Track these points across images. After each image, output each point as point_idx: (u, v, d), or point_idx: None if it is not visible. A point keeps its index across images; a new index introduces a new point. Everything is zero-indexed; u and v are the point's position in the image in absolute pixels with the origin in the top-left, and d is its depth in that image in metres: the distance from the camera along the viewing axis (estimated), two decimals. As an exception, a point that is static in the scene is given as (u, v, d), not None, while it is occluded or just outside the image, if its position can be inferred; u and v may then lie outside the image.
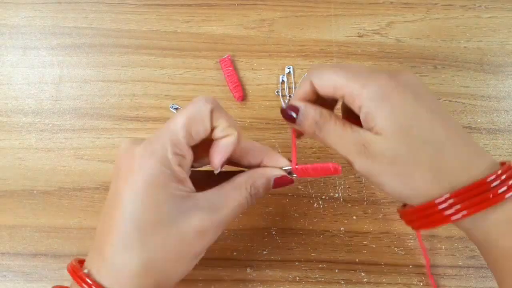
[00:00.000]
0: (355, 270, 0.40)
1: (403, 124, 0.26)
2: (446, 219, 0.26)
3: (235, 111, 0.44)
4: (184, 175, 0.27)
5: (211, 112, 0.27)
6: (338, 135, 0.28)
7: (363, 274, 0.40)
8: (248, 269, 0.40)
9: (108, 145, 0.43)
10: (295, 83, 0.45)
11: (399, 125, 0.26)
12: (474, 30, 0.48)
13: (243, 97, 0.44)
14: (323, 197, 0.42)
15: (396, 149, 0.26)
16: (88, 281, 0.26)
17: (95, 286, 0.26)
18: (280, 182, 0.31)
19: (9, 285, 0.39)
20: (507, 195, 0.25)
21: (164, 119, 0.44)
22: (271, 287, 0.40)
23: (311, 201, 0.42)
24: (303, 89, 0.30)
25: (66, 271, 0.40)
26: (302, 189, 0.42)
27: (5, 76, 0.45)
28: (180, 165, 0.27)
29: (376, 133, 0.27)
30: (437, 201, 0.26)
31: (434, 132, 0.27)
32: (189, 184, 0.28)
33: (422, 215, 0.27)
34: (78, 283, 0.26)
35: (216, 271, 0.40)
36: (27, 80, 0.45)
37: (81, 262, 0.29)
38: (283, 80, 0.45)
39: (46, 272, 0.40)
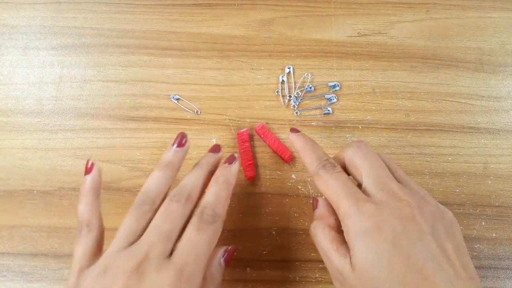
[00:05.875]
0: (355, 270, 0.40)
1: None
2: None
3: (235, 111, 0.44)
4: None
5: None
6: (324, 248, 0.30)
7: (363, 274, 0.40)
8: (248, 269, 0.40)
9: (108, 145, 0.43)
10: (295, 83, 0.45)
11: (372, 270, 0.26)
12: (474, 30, 0.48)
13: (254, 178, 0.42)
14: (323, 197, 0.42)
15: None
16: None
17: None
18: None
19: (9, 285, 0.39)
20: None
21: (164, 119, 0.44)
22: (271, 287, 0.40)
23: (311, 201, 0.42)
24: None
25: (66, 271, 0.40)
26: (302, 189, 0.42)
27: (5, 76, 0.45)
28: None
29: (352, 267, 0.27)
30: None
31: None
32: None
33: None
34: None
35: (216, 271, 0.40)
36: (27, 80, 0.45)
37: None
38: (283, 80, 0.45)
39: (46, 272, 0.40)
